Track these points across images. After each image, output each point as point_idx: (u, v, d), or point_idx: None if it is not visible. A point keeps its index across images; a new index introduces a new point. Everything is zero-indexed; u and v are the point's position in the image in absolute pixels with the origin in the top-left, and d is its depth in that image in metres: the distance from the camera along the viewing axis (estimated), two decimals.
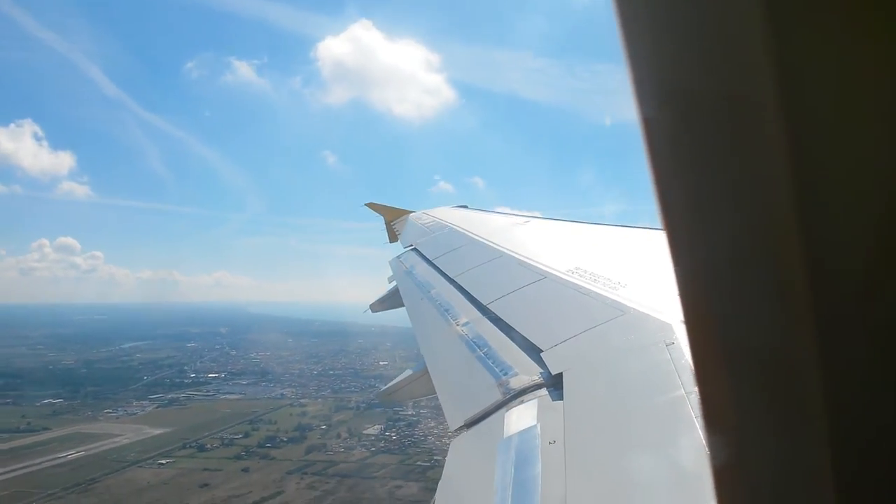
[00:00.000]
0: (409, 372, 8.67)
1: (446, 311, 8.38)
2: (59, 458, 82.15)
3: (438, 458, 53.17)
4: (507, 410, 4.79)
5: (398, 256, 14.41)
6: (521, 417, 4.51)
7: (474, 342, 6.64)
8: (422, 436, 60.12)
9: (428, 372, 7.22)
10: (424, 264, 11.92)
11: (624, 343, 4.95)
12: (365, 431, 61.76)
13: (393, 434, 60.62)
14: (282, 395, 74.40)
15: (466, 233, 12.63)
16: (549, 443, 3.91)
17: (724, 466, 0.92)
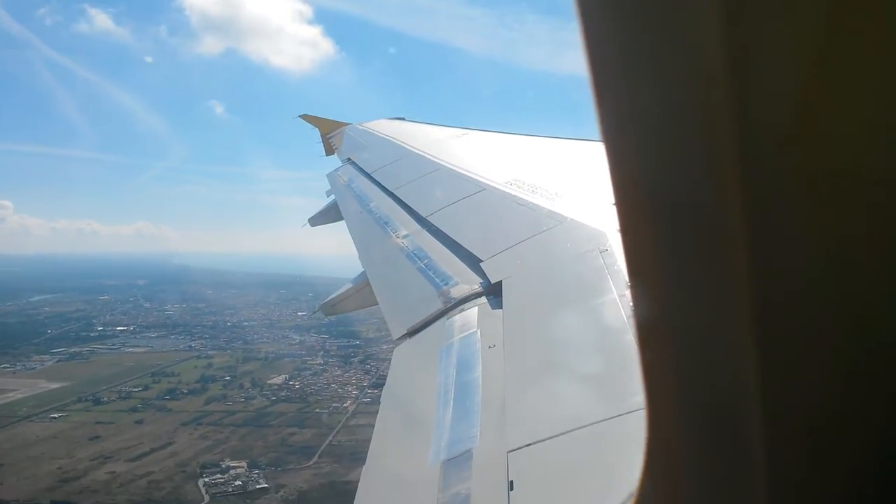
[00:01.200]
0: (349, 285, 8.70)
1: (386, 223, 8.37)
2: None
3: (337, 405, 53.83)
4: (447, 319, 4.91)
5: (336, 170, 14.15)
6: (461, 325, 4.63)
7: (414, 254, 6.70)
8: (325, 384, 60.34)
9: (369, 283, 7.27)
10: (363, 177, 11.76)
11: (560, 251, 5.09)
12: (269, 381, 61.05)
13: (297, 383, 60.36)
14: (190, 346, 71.49)
15: (404, 146, 12.45)
16: (489, 347, 4.05)
17: (647, 321, 0.93)
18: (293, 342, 69.34)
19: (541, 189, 6.71)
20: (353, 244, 8.84)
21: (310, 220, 13.76)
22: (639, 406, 2.61)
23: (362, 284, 8.06)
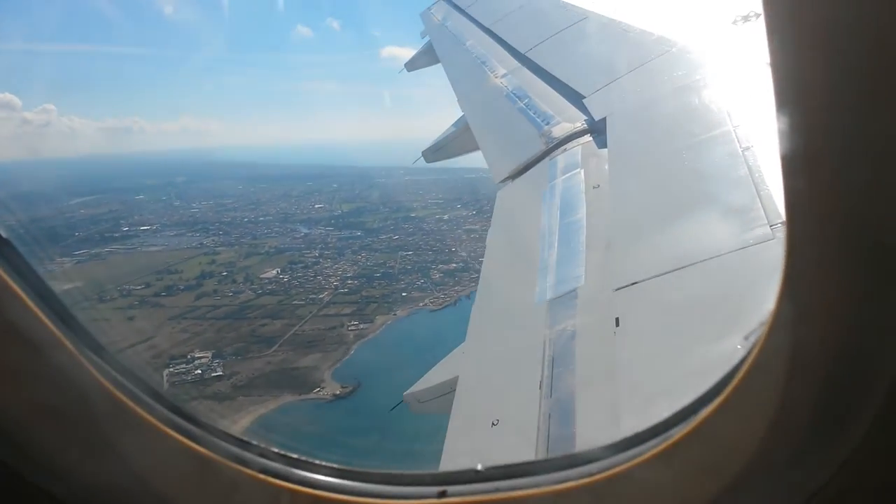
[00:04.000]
0: (451, 129, 8.62)
1: (483, 63, 8.05)
2: None
3: (314, 296, 54.57)
4: (550, 159, 4.80)
5: (429, 8, 13.53)
6: (564, 165, 4.52)
7: (514, 93, 6.46)
8: (312, 276, 60.90)
9: (469, 128, 7.17)
10: (457, 14, 11.20)
11: (670, 81, 4.71)
12: (262, 275, 62.06)
13: (286, 276, 61.33)
14: (201, 244, 72.46)
15: None
16: (594, 187, 3.95)
17: (798, 145, 0.87)
18: (298, 235, 70.99)
19: (651, 13, 6.13)
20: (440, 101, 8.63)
21: (406, 65, 13.47)
22: (753, 242, 2.50)
23: (462, 129, 7.97)
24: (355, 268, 62.60)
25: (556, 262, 3.44)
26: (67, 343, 1.16)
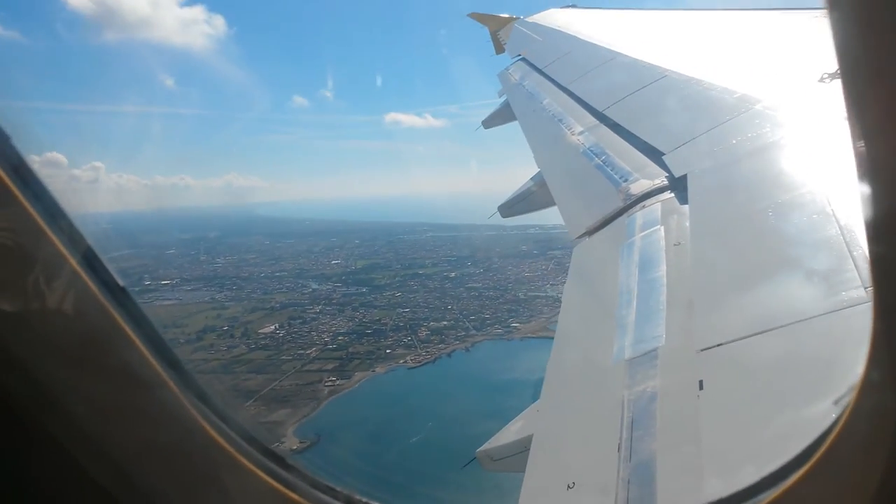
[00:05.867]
0: (527, 184, 8.72)
1: (560, 120, 8.16)
2: None
3: (302, 352, 54.08)
4: (628, 216, 4.77)
5: (507, 68, 13.89)
6: (643, 222, 4.48)
7: (591, 150, 6.50)
8: (307, 332, 60.78)
9: (545, 184, 7.23)
10: (535, 74, 11.45)
11: (752, 140, 4.64)
12: (260, 330, 62.13)
13: (282, 332, 61.26)
14: (213, 299, 73.27)
15: (577, 36, 11.84)
16: (674, 244, 3.89)
17: (887, 211, 0.87)
18: (306, 291, 71.17)
19: (731, 71, 6.10)
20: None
21: (483, 123, 13.80)
22: (843, 305, 2.41)
23: (538, 184, 8.05)
24: (350, 324, 62.95)
25: (634, 321, 3.39)
26: (172, 385, 1.26)
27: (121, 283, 1.32)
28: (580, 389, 3.49)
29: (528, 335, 57.20)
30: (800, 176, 3.67)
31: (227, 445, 1.27)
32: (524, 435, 3.60)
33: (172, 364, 1.33)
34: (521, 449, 3.50)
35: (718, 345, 2.73)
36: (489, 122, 13.60)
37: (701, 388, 2.54)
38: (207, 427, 1.27)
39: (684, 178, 4.55)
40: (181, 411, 1.26)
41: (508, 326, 61.06)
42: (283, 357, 56.65)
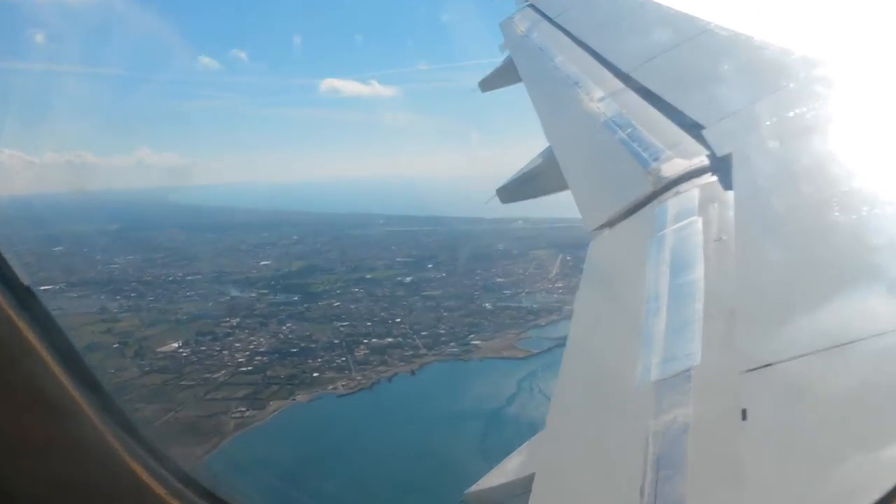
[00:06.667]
0: (534, 163, 8.71)
1: (576, 83, 8.16)
2: None
3: (208, 376, 54.20)
4: (658, 204, 4.77)
5: (511, 17, 13.87)
6: (677, 211, 4.48)
7: (614, 121, 6.50)
8: (217, 350, 60.90)
9: (556, 162, 7.23)
10: (546, 24, 11.44)
11: (812, 112, 4.65)
12: (159, 349, 61.72)
13: (186, 351, 61.09)
14: (103, 308, 72.69)
15: None
16: (715, 240, 3.89)
17: None
18: (223, 300, 70.91)
19: (790, 25, 6.12)
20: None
21: (480, 85, 13.79)
22: None
23: (547, 163, 8.03)
24: (273, 341, 62.86)
25: (664, 334, 3.38)
26: (89, 410, 1.22)
27: (25, 281, 1.27)
28: (595, 418, 3.48)
29: (490, 355, 57.49)
30: (875, 159, 3.68)
31: (158, 488, 1.23)
32: (524, 474, 3.59)
33: (89, 384, 1.28)
34: (521, 491, 3.49)
35: (767, 365, 2.72)
36: (487, 84, 13.58)
37: (744, 418, 2.53)
38: (133, 464, 1.23)
39: (728, 157, 4.55)
40: (101, 444, 1.22)
41: (467, 344, 61.38)
42: (184, 382, 56.20)
